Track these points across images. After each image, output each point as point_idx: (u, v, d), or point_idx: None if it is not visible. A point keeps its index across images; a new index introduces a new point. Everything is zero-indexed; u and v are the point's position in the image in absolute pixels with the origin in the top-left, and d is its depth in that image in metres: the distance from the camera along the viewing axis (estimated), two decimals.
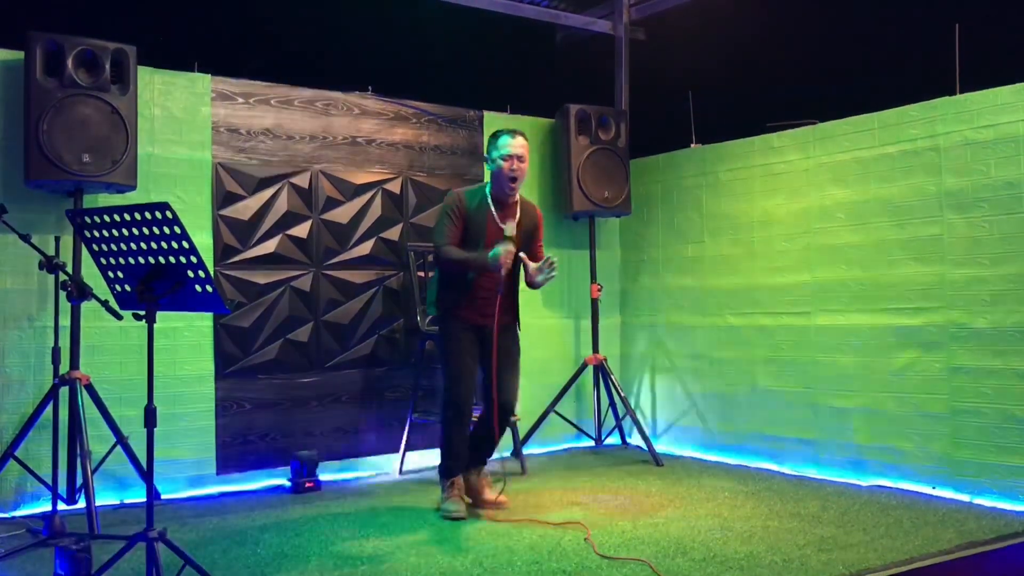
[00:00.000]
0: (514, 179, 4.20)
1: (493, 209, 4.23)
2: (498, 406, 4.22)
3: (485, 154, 4.31)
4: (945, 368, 4.60)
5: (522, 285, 4.38)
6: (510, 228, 4.13)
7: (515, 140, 4.21)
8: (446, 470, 4.33)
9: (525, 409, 5.59)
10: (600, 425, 6.13)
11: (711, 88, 6.31)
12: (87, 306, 4.24)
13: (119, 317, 3.33)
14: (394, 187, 5.54)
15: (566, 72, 7.14)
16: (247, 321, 5.02)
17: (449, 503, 4.26)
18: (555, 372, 5.95)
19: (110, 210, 2.99)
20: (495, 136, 4.27)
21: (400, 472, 5.37)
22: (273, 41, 6.45)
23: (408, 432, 5.36)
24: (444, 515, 4.23)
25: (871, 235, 4.93)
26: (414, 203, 5.60)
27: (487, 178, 4.39)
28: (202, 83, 4.96)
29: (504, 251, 4.03)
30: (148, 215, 2.90)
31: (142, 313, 3.02)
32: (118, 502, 4.59)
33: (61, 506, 4.22)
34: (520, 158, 4.20)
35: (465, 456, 4.33)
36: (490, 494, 4.38)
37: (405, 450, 5.39)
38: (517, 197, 4.30)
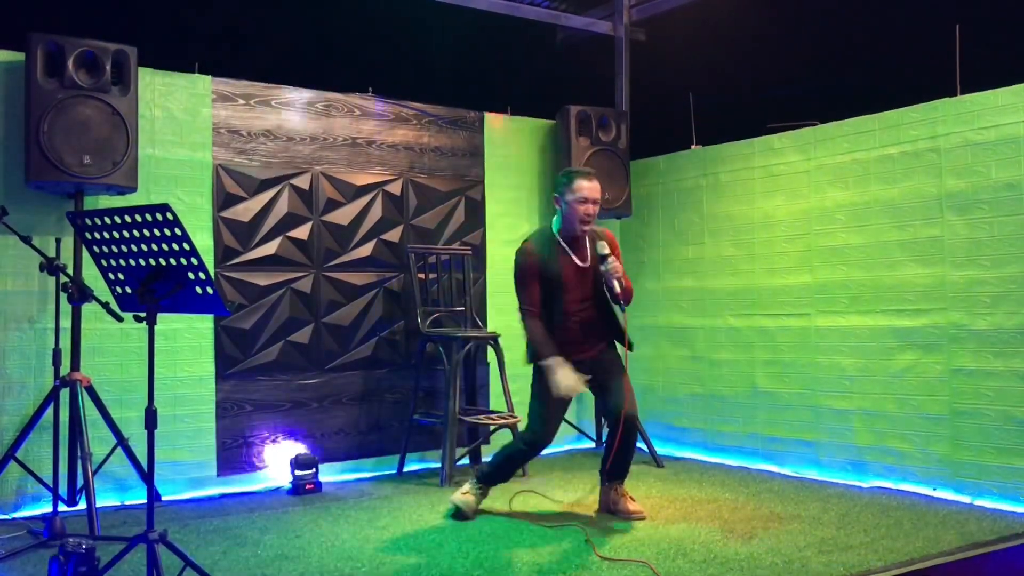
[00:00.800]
0: (585, 222, 4.15)
1: (566, 247, 4.19)
2: (624, 420, 4.15)
3: (555, 192, 4.21)
4: (945, 369, 4.60)
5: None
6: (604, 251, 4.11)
7: (591, 184, 4.14)
8: (487, 478, 4.33)
9: (525, 410, 5.59)
10: (600, 426, 6.13)
11: (711, 89, 6.31)
12: (88, 308, 4.24)
13: (120, 319, 3.34)
14: (394, 188, 5.54)
15: (566, 73, 7.15)
16: (248, 323, 5.02)
17: (465, 498, 4.26)
18: None
19: (111, 212, 2.99)
20: (569, 177, 4.16)
21: (400, 473, 5.37)
22: (274, 42, 6.46)
23: (408, 433, 5.37)
24: (454, 506, 4.25)
25: (871, 236, 4.94)
26: (414, 204, 5.60)
27: (553, 217, 4.29)
28: (203, 84, 4.96)
29: (564, 384, 3.97)
30: (149, 217, 2.90)
31: (143, 315, 3.02)
32: (119, 503, 4.60)
33: (62, 507, 4.22)
34: (595, 202, 4.15)
35: (507, 480, 4.42)
36: (629, 505, 4.32)
37: (405, 451, 5.39)
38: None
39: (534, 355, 4.14)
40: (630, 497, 4.39)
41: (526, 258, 4.16)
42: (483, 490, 4.34)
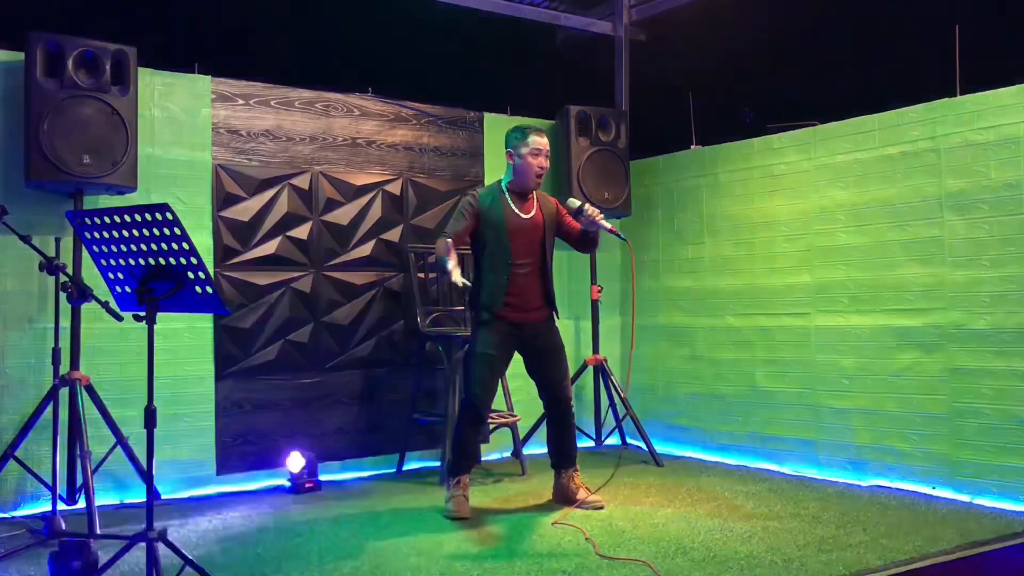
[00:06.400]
0: (539, 175, 4.33)
1: (510, 200, 4.33)
2: (558, 402, 4.38)
3: (508, 147, 4.35)
4: (945, 369, 4.60)
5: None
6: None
7: (543, 139, 4.33)
8: (455, 468, 4.34)
9: (525, 410, 5.60)
10: (600, 425, 6.13)
11: (711, 89, 6.31)
12: (87, 307, 4.24)
13: (119, 318, 3.34)
14: (394, 188, 5.55)
15: (566, 73, 7.15)
16: (247, 322, 5.03)
17: (453, 502, 4.27)
18: None
19: (110, 211, 2.99)
20: (523, 132, 4.32)
21: (400, 472, 5.37)
22: (273, 42, 6.45)
23: (408, 432, 5.37)
24: (448, 515, 4.24)
25: (871, 236, 4.94)
26: (414, 204, 5.61)
27: (504, 173, 4.42)
28: (202, 84, 4.96)
29: (456, 277, 4.04)
30: (148, 216, 2.91)
31: (142, 314, 3.03)
32: (118, 502, 4.60)
33: (61, 506, 4.22)
34: (547, 155, 4.35)
35: (475, 457, 4.41)
36: (585, 495, 4.40)
37: (405, 450, 5.39)
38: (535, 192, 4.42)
39: (441, 266, 4.18)
40: (585, 487, 4.46)
41: (469, 199, 4.33)
42: (461, 483, 4.33)
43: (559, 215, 4.45)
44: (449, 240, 4.15)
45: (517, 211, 4.30)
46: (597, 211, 4.26)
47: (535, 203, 4.38)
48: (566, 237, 4.45)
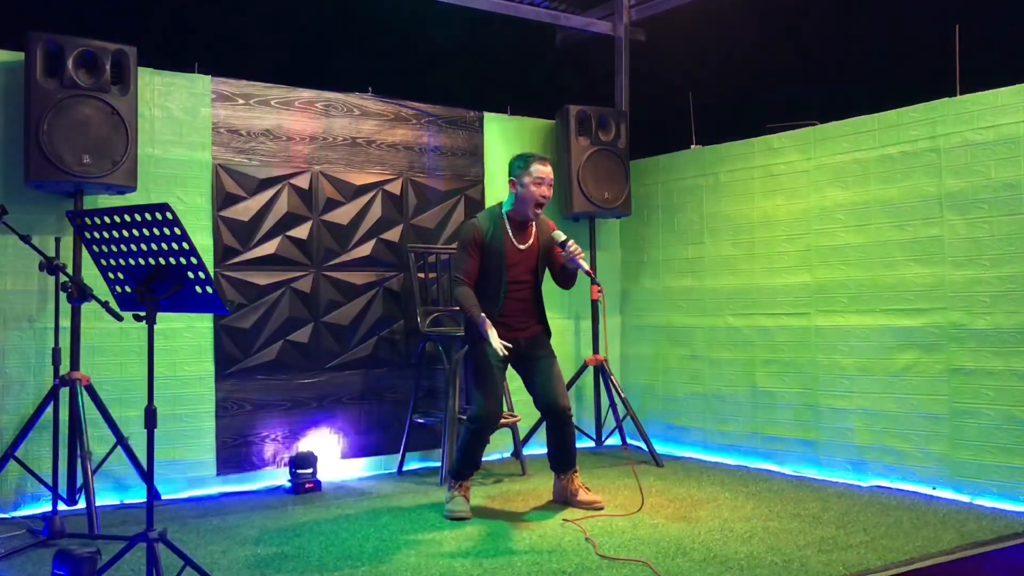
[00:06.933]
0: (541, 205, 4.33)
1: (510, 230, 4.34)
2: (556, 413, 4.36)
3: (511, 176, 4.34)
4: (945, 369, 4.60)
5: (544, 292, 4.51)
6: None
7: (546, 167, 4.32)
8: (458, 474, 4.37)
9: (526, 410, 5.59)
10: (600, 426, 6.13)
11: (711, 89, 6.31)
12: (87, 307, 4.24)
13: (119, 318, 3.34)
14: (394, 188, 5.55)
15: (566, 73, 7.15)
16: (247, 322, 5.03)
17: (454, 503, 4.29)
18: None
19: (110, 211, 2.99)
20: (526, 161, 4.31)
21: (400, 472, 5.37)
22: (273, 41, 6.45)
23: (408, 433, 5.37)
24: (448, 515, 4.24)
25: (871, 236, 4.94)
26: (414, 204, 5.61)
27: (506, 197, 4.42)
28: (202, 84, 4.96)
29: (494, 338, 4.13)
30: (148, 216, 2.90)
31: (142, 314, 3.03)
32: (118, 502, 4.60)
33: (61, 506, 4.23)
34: (550, 185, 4.33)
35: (478, 465, 4.41)
36: (585, 495, 4.42)
37: (405, 450, 5.39)
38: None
39: (467, 321, 4.29)
40: (584, 488, 4.48)
41: (473, 232, 4.33)
42: (462, 486, 4.36)
43: (552, 241, 4.43)
44: (469, 287, 4.25)
45: (516, 242, 4.33)
46: (579, 250, 4.28)
47: (533, 230, 4.40)
48: (549, 267, 4.48)
